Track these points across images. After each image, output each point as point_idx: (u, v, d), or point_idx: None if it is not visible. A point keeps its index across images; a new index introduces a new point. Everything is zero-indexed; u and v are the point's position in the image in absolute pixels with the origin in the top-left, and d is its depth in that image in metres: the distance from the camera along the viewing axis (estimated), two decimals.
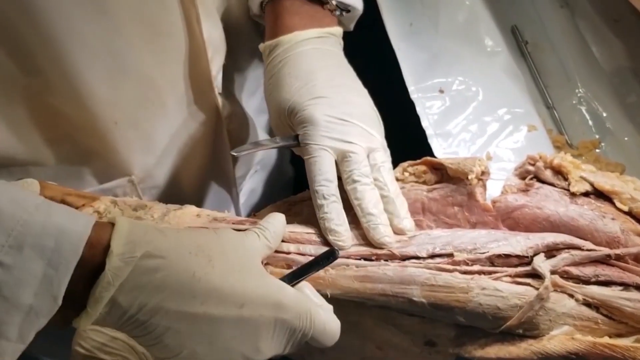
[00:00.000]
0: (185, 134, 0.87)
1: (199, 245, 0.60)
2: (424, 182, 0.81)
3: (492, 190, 0.81)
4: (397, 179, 0.81)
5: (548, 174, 0.80)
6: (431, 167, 0.81)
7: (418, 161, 0.82)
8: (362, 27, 0.94)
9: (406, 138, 0.82)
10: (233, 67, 0.94)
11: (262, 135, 1.02)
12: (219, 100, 0.88)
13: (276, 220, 0.71)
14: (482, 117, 0.99)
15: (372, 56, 1.11)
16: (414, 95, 1.02)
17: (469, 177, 0.78)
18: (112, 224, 0.58)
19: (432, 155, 0.89)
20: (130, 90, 0.77)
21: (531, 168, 0.80)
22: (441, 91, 1.02)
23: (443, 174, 0.81)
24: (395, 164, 0.81)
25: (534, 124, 0.98)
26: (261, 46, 0.85)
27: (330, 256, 0.68)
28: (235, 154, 0.79)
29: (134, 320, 0.56)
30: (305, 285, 0.67)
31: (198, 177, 0.94)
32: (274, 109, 0.81)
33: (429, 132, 0.97)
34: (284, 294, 0.63)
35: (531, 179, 0.80)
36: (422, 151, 0.87)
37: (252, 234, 0.68)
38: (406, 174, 0.82)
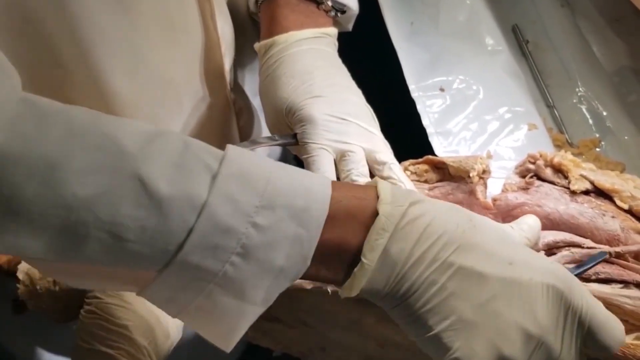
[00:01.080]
0: (200, 130, 0.87)
1: (456, 207, 0.59)
2: (426, 181, 0.81)
3: (493, 188, 0.81)
4: None
5: (548, 172, 0.80)
6: (433, 166, 0.81)
7: (420, 160, 0.82)
8: (363, 27, 0.94)
9: (407, 137, 0.83)
10: (239, 64, 0.95)
11: (268, 131, 1.03)
12: (231, 95, 0.89)
13: (530, 218, 0.70)
14: (482, 116, 0.99)
15: (373, 55, 1.12)
16: (414, 94, 1.02)
17: (470, 175, 0.78)
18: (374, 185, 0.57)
19: (432, 153, 0.89)
20: (149, 87, 0.77)
21: (531, 166, 0.80)
22: (442, 90, 1.02)
23: (445, 172, 0.81)
24: None
25: (534, 122, 0.98)
26: (256, 45, 0.85)
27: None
28: (248, 145, 0.79)
29: (402, 276, 0.54)
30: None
31: None
32: (270, 108, 0.81)
33: (429, 130, 0.98)
34: (555, 265, 0.59)
35: (531, 177, 0.80)
36: (423, 150, 0.87)
37: (506, 226, 0.67)
38: (408, 173, 0.82)
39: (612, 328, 0.58)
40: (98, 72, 0.71)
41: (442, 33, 1.09)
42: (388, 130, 0.79)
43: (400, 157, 0.80)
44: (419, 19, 1.11)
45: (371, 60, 1.08)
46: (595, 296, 0.67)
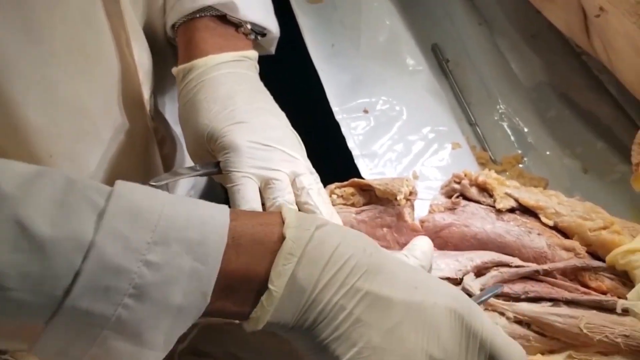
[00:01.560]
0: (120, 160, 0.84)
1: (360, 233, 0.58)
2: (353, 204, 0.81)
3: (420, 209, 0.81)
4: None
5: (474, 192, 0.80)
6: (359, 189, 0.81)
7: (345, 183, 0.81)
8: (285, 50, 0.93)
9: (333, 160, 0.82)
10: (160, 91, 0.93)
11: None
12: (152, 124, 0.86)
13: (422, 242, 0.70)
14: (407, 137, 0.99)
15: (296, 78, 1.11)
16: (338, 116, 1.01)
17: (398, 198, 0.77)
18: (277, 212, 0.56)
19: (359, 176, 0.88)
20: (65, 121, 0.74)
21: (457, 186, 0.81)
22: (366, 111, 1.02)
23: (371, 195, 0.81)
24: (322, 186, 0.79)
25: (457, 141, 0.98)
26: (174, 70, 0.83)
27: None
28: (154, 183, 0.75)
29: (311, 303, 0.52)
30: None
31: None
32: (191, 135, 0.79)
33: (355, 153, 0.97)
34: (456, 290, 0.59)
35: (457, 197, 0.80)
36: (349, 172, 0.87)
37: (400, 254, 0.67)
38: (334, 197, 0.81)
39: (512, 352, 0.57)
40: (11, 106, 0.68)
41: (363, 55, 1.09)
42: (314, 153, 0.78)
43: (327, 180, 0.80)
44: (339, 41, 1.11)
45: (294, 83, 1.07)
46: (525, 315, 0.68)
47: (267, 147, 0.75)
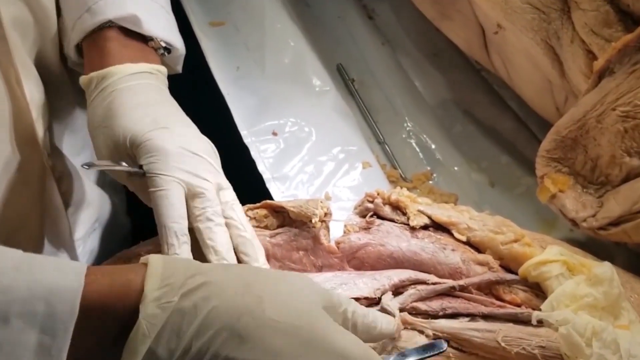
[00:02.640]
0: (16, 200, 0.80)
1: (247, 284, 0.53)
2: (266, 227, 0.79)
3: (334, 230, 0.80)
4: None
5: (387, 210, 0.81)
6: (272, 211, 0.80)
7: (258, 205, 0.80)
8: (189, 73, 0.92)
9: (243, 184, 0.80)
10: (57, 126, 0.90)
11: (94, 190, 0.98)
12: (49, 161, 0.83)
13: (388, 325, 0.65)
14: (317, 157, 0.99)
15: (201, 102, 1.09)
16: (247, 140, 1.00)
17: (313, 221, 0.77)
18: (145, 265, 0.52)
19: (271, 199, 0.87)
20: None
21: (370, 205, 0.81)
22: (274, 134, 1.01)
23: (284, 217, 0.80)
24: None
25: (368, 160, 0.99)
26: (85, 78, 0.80)
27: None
28: (86, 167, 0.74)
29: None
30: None
31: (34, 245, 0.87)
32: (107, 140, 0.75)
33: (265, 176, 0.96)
34: (357, 349, 0.55)
35: (371, 216, 0.80)
36: (261, 196, 0.84)
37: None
38: (247, 218, 0.80)
39: None
40: None
41: (269, 76, 1.08)
42: (231, 179, 0.77)
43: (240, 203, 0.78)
44: (244, 63, 1.10)
45: (200, 107, 1.06)
46: (444, 332, 0.69)
47: (194, 155, 0.73)
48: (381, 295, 0.72)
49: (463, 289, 0.73)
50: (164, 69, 0.83)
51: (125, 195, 1.15)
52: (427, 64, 1.11)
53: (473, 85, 1.09)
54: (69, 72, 0.89)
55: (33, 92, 0.79)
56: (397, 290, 0.73)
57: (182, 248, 0.68)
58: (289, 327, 0.53)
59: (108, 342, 0.50)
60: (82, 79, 0.80)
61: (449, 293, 0.73)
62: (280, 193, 0.94)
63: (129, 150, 0.74)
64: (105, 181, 1.06)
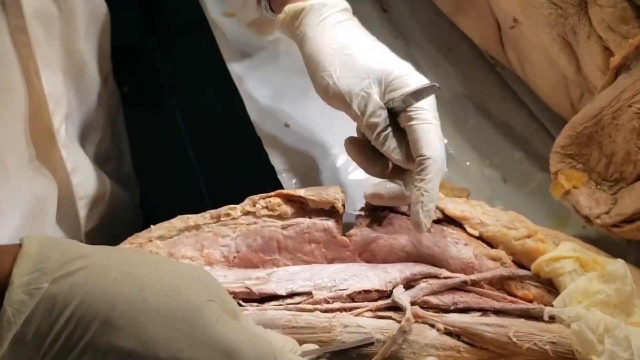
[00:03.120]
0: (28, 192, 0.81)
1: (131, 271, 0.53)
2: (279, 216, 0.79)
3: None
4: (248, 212, 0.79)
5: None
6: (286, 199, 0.79)
7: (271, 194, 0.80)
8: (202, 61, 0.91)
9: (255, 174, 0.80)
10: (75, 116, 0.90)
11: (107, 183, 0.97)
12: (63, 153, 0.84)
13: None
14: (330, 150, 0.98)
15: (215, 90, 1.10)
16: (259, 131, 1.00)
17: (336, 206, 0.77)
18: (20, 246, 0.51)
19: None
20: None
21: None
22: (287, 125, 1.01)
23: (299, 206, 0.79)
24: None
25: None
26: (297, 6, 0.82)
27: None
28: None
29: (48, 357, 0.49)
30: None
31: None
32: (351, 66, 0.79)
33: (277, 167, 0.95)
34: (242, 338, 0.54)
35: (383, 209, 0.80)
36: (273, 188, 0.83)
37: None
38: (258, 207, 0.79)
39: None
40: None
41: (283, 67, 1.07)
42: (234, 170, 0.77)
43: (249, 195, 0.79)
44: (258, 54, 1.09)
45: (214, 96, 1.06)
46: (455, 326, 0.69)
47: None
48: (392, 288, 0.72)
49: (475, 283, 0.74)
50: None
51: (138, 190, 1.16)
52: (440, 58, 1.10)
53: (487, 80, 1.08)
54: (97, 61, 0.90)
55: (52, 84, 0.79)
56: (409, 284, 0.73)
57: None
58: (170, 317, 0.52)
59: None
60: (289, 8, 0.83)
61: (460, 287, 0.73)
62: (291, 185, 0.94)
63: (381, 88, 0.78)
64: (120, 175, 1.06)
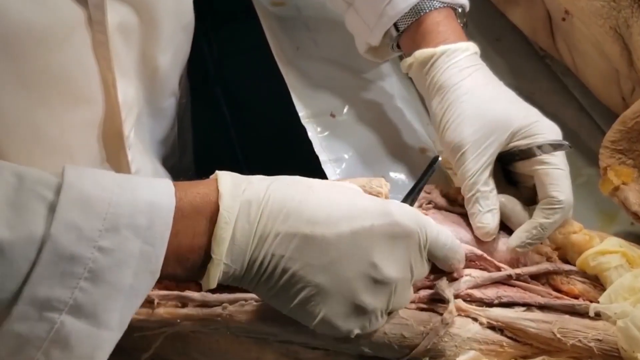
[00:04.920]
0: None
1: (295, 179, 0.63)
2: None
3: None
4: None
5: (443, 202, 0.80)
6: None
7: None
8: (249, 50, 0.91)
9: (299, 163, 0.80)
10: (146, 117, 0.93)
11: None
12: (129, 156, 0.87)
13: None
14: (374, 141, 0.97)
15: (261, 80, 1.10)
16: (304, 120, 0.99)
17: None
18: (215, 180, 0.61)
19: None
20: (47, 161, 0.75)
21: (428, 195, 0.80)
22: (332, 115, 1.00)
23: None
24: None
25: (425, 146, 0.97)
26: (427, 52, 0.84)
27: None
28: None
29: (253, 259, 0.59)
30: None
31: None
32: (492, 125, 0.78)
33: (322, 157, 0.95)
34: (392, 205, 0.64)
35: (428, 204, 0.80)
36: (316, 177, 0.83)
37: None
38: None
39: (444, 242, 0.67)
40: None
41: (329, 57, 1.07)
42: (278, 158, 0.77)
43: None
44: (304, 44, 1.09)
45: (260, 85, 1.06)
46: (499, 321, 0.68)
47: None
48: (435, 279, 0.71)
49: (520, 277, 0.72)
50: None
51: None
52: (489, 49, 1.08)
53: (536, 71, 1.07)
54: (173, 65, 0.92)
55: (127, 92, 0.82)
56: (452, 277, 0.72)
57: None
58: (333, 203, 0.62)
59: (200, 236, 0.58)
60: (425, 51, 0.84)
61: (505, 282, 0.72)
62: (335, 176, 0.93)
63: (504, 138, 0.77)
64: (181, 167, 1.08)
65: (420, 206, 0.80)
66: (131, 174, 0.88)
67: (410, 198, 0.76)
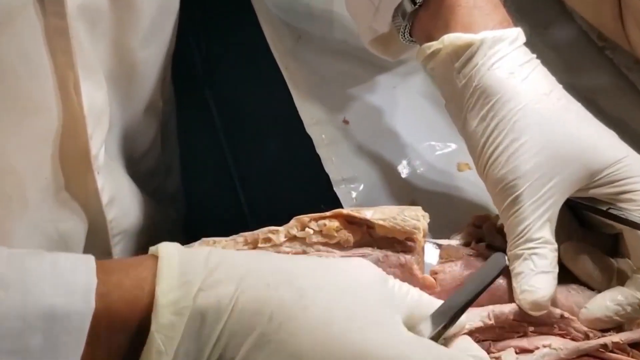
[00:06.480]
0: (51, 228, 0.74)
1: (279, 268, 0.50)
2: (338, 244, 0.63)
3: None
4: (295, 237, 0.64)
5: (499, 239, 0.65)
6: (346, 222, 0.64)
7: (328, 214, 0.64)
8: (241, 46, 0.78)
9: (305, 185, 0.67)
10: (120, 127, 0.82)
11: (147, 219, 0.88)
12: (99, 182, 0.74)
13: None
14: (399, 154, 0.85)
15: (256, 76, 1.01)
16: (310, 128, 0.87)
17: (418, 238, 0.62)
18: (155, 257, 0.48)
19: (340, 207, 0.70)
20: None
21: (477, 230, 0.67)
22: (346, 122, 0.87)
23: (364, 231, 0.64)
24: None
25: (465, 161, 0.83)
26: (462, 38, 0.66)
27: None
28: None
29: None
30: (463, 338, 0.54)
31: None
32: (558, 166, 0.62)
33: (333, 176, 0.82)
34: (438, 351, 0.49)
35: (478, 242, 0.66)
36: (327, 202, 0.72)
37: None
38: (309, 231, 0.64)
39: None
40: None
41: (337, 50, 0.96)
42: (284, 179, 0.62)
43: (297, 213, 0.65)
44: (307, 33, 0.99)
45: (257, 83, 0.93)
46: None
47: None
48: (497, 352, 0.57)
49: (618, 346, 0.58)
50: None
51: (185, 204, 1.08)
52: (536, 38, 0.94)
53: (595, 65, 0.95)
54: (154, 62, 0.83)
55: (94, 97, 0.70)
56: (523, 348, 0.57)
57: None
58: (335, 334, 0.47)
59: None
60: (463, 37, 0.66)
61: (597, 354, 0.57)
62: (351, 200, 0.80)
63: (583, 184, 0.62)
64: (166, 189, 1.00)
65: (467, 243, 0.66)
66: (102, 205, 0.77)
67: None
